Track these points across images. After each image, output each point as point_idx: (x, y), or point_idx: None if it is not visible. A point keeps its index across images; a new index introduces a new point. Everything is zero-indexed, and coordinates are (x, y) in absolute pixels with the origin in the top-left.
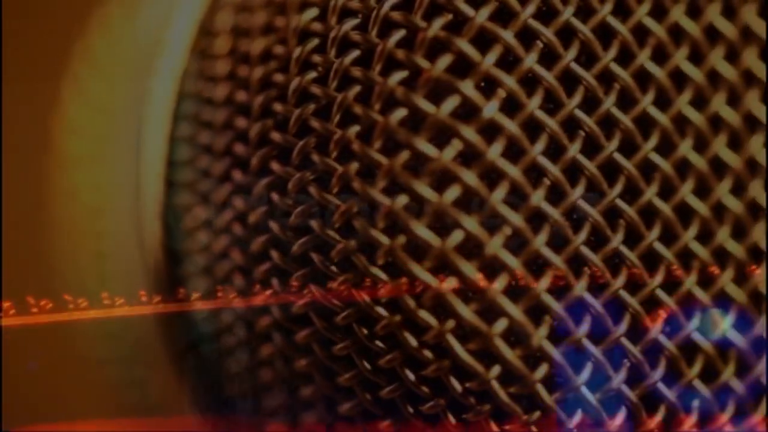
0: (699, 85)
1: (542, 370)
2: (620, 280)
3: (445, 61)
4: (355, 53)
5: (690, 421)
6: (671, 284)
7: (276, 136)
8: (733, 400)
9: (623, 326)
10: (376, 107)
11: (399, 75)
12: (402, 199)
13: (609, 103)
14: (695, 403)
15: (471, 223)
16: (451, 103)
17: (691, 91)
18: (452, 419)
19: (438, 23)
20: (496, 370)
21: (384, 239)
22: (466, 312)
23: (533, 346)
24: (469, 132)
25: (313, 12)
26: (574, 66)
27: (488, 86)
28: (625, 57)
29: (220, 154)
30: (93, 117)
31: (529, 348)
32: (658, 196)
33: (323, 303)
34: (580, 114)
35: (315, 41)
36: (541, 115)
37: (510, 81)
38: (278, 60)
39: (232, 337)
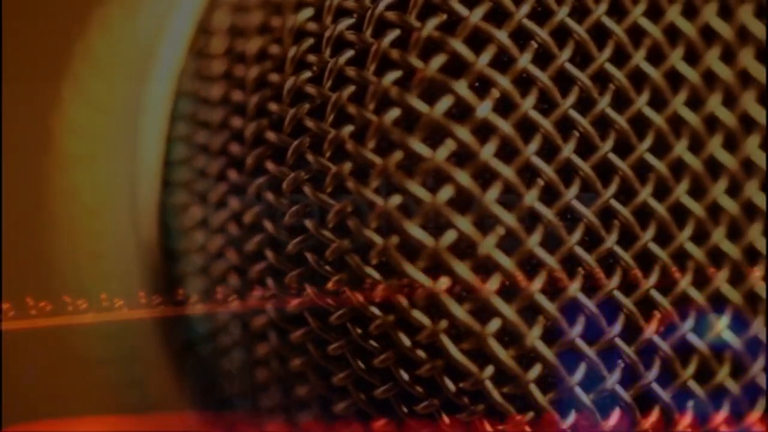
0: (695, 85)
1: (536, 370)
2: (614, 281)
3: (438, 61)
4: (349, 53)
5: (685, 421)
6: (666, 285)
7: (271, 135)
8: (729, 400)
9: (617, 327)
10: (371, 107)
11: (393, 75)
12: (395, 199)
13: (604, 103)
14: (690, 404)
15: (464, 223)
16: (444, 103)
17: (686, 91)
18: (446, 419)
19: (432, 23)
20: (489, 370)
21: (377, 239)
22: (460, 312)
23: (526, 347)
24: (463, 132)
25: (308, 12)
26: (569, 66)
27: (482, 86)
28: (620, 57)
29: (216, 153)
30: (93, 116)
31: (522, 348)
32: (653, 197)
33: (317, 303)
34: (574, 114)
35: (310, 41)
36: (535, 115)
37: (504, 81)
38: (274, 60)
39: (228, 337)
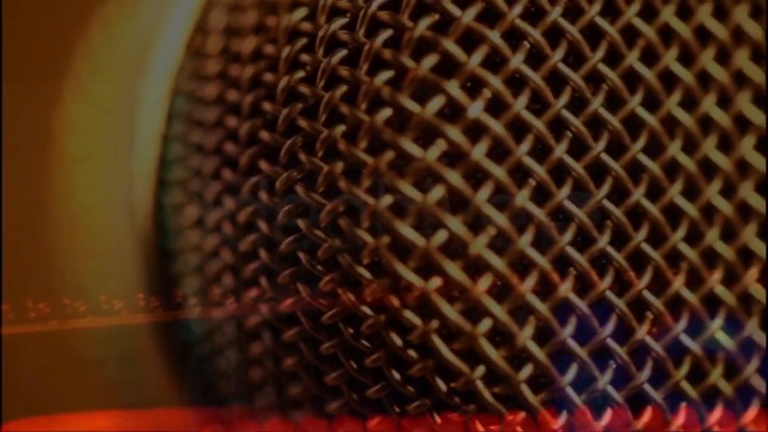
0: (689, 86)
1: (527, 370)
2: (606, 282)
3: (430, 60)
4: (342, 53)
5: (677, 422)
6: (659, 286)
7: (264, 135)
8: (722, 401)
9: (609, 327)
10: (363, 107)
11: (385, 74)
12: (386, 199)
13: (597, 103)
14: (682, 405)
15: (455, 223)
16: (436, 102)
17: (680, 92)
18: (438, 419)
19: (424, 23)
20: (480, 370)
21: (369, 239)
22: (450, 312)
23: (517, 347)
24: (454, 132)
25: (302, 11)
26: (561, 66)
27: (474, 86)
28: (613, 58)
29: (211, 152)
30: (93, 116)
31: (513, 348)
32: (646, 197)
33: (310, 302)
34: (567, 114)
35: (304, 40)
36: (527, 115)
37: (495, 81)
38: (268, 59)
39: (223, 336)
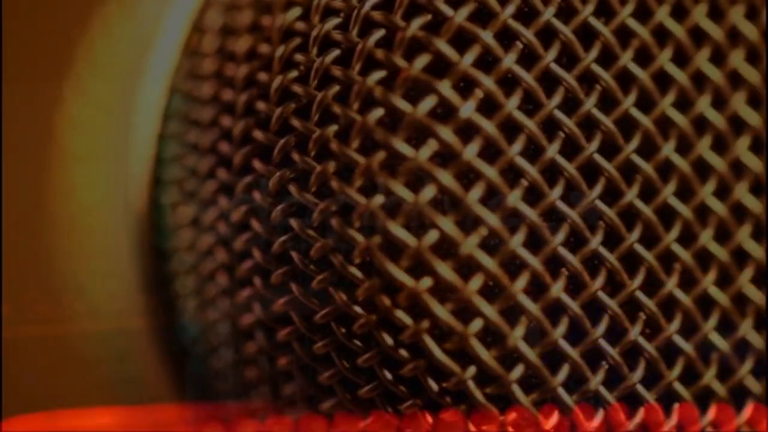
0: (683, 86)
1: (518, 370)
2: (598, 282)
3: (422, 60)
4: (335, 52)
5: (670, 423)
6: (652, 286)
7: (258, 134)
8: (715, 402)
9: (601, 328)
10: (355, 106)
11: (377, 74)
12: (378, 199)
13: (590, 104)
14: (675, 405)
15: (446, 223)
16: (428, 102)
17: (675, 92)
18: (429, 418)
19: (417, 23)
20: (471, 370)
21: (360, 238)
22: (441, 312)
23: (509, 347)
24: (446, 132)
25: (296, 11)
26: (554, 67)
27: (467, 86)
28: (607, 58)
29: (206, 152)
30: (93, 115)
31: (504, 349)
32: (639, 198)
33: (302, 302)
34: (559, 115)
35: (297, 40)
36: (519, 115)
37: (488, 81)
38: (262, 59)
39: (217, 335)
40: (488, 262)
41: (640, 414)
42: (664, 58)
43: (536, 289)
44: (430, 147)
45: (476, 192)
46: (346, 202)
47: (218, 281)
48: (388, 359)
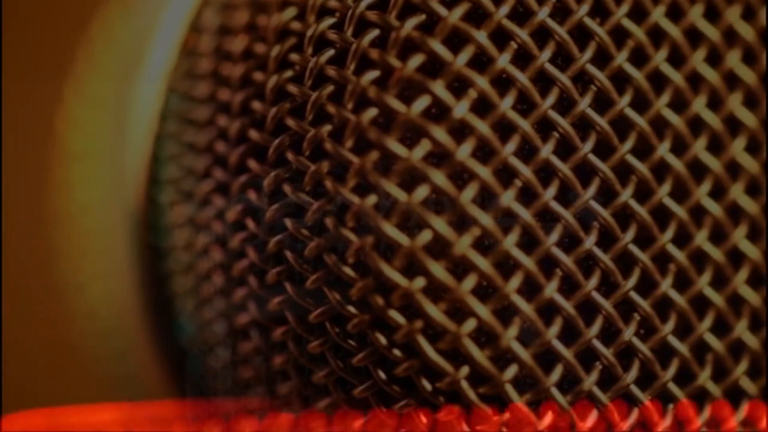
0: (679, 87)
1: (512, 370)
2: (592, 282)
3: (416, 60)
4: (330, 52)
5: (664, 423)
6: (647, 287)
7: (253, 134)
8: (710, 403)
9: (595, 328)
10: (349, 106)
11: (372, 74)
12: (371, 198)
13: (584, 104)
14: (670, 406)
15: (439, 223)
16: (421, 102)
17: (670, 93)
18: (423, 418)
19: (411, 23)
20: (465, 370)
21: (353, 238)
22: (434, 311)
23: (502, 347)
24: (439, 132)
25: (292, 11)
26: (549, 67)
27: (461, 86)
28: (602, 58)
29: (202, 151)
30: (92, 114)
31: (498, 349)
32: (634, 198)
33: (297, 301)
34: (553, 115)
35: (293, 40)
36: (513, 115)
37: (482, 81)
38: (258, 58)
39: (213, 334)
40: (481, 262)
41: (634, 414)
42: (660, 59)
43: (530, 290)
44: (424, 147)
45: (469, 192)
46: (340, 201)
47: (214, 280)
48: (382, 359)
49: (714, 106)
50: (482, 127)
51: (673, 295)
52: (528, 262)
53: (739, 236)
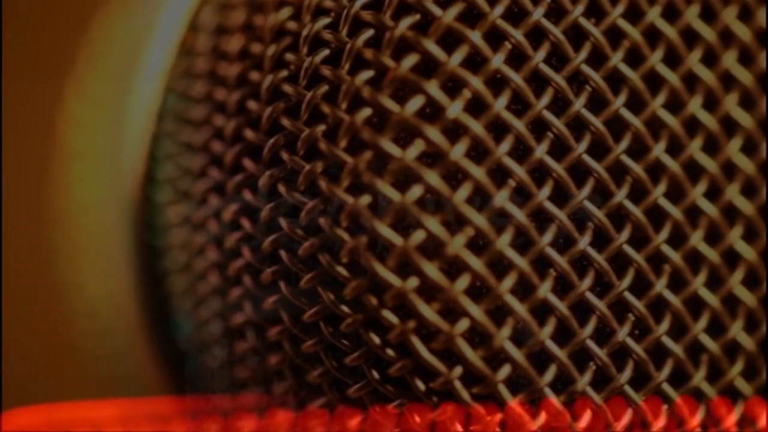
0: (674, 87)
1: (505, 370)
2: (586, 283)
3: (410, 60)
4: (325, 52)
5: (658, 424)
6: (642, 287)
7: (249, 133)
8: (705, 404)
9: (589, 329)
10: (343, 106)
11: (366, 74)
12: (365, 198)
13: (579, 104)
14: (664, 407)
15: (432, 223)
16: (415, 102)
17: (665, 93)
18: (417, 418)
19: (405, 23)
20: (458, 370)
21: (347, 238)
22: (427, 311)
23: (495, 347)
24: (432, 131)
25: (288, 11)
26: (543, 67)
27: (455, 87)
28: (598, 58)
29: (199, 150)
30: (92, 113)
31: (491, 349)
32: (629, 199)
33: (292, 301)
34: (548, 115)
35: (288, 40)
36: (507, 115)
37: (475, 81)
38: (254, 58)
39: (210, 334)
40: (475, 262)
41: (628, 415)
42: (655, 59)
43: (524, 290)
44: (417, 147)
45: (463, 192)
46: (333, 201)
47: (210, 280)
48: (376, 359)
49: (710, 106)
50: (476, 127)
51: (668, 295)
52: (521, 262)
53: (734, 237)
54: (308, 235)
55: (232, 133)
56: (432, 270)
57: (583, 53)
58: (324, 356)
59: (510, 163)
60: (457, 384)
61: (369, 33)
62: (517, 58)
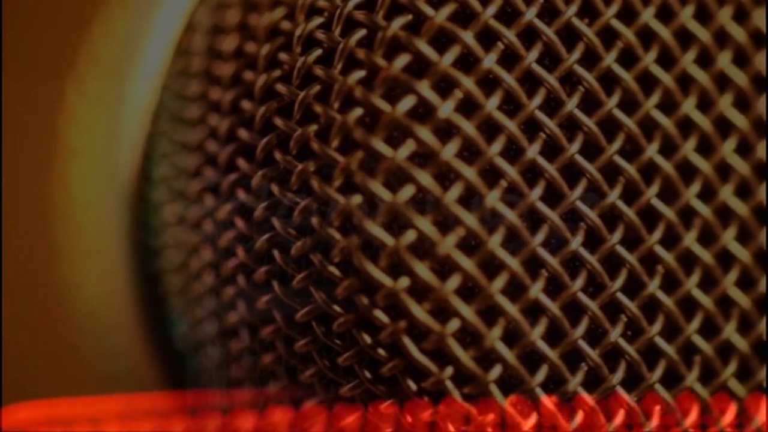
0: (668, 88)
1: (496, 371)
2: (578, 283)
3: (402, 60)
4: (318, 52)
5: (650, 425)
6: (634, 288)
7: (243, 133)
8: (698, 405)
9: (581, 329)
10: (335, 105)
11: (358, 74)
12: (356, 198)
13: (571, 105)
14: (657, 408)
15: (424, 223)
16: (406, 102)
17: (659, 94)
18: (409, 418)
19: (397, 23)
20: (449, 370)
21: (339, 237)
22: (418, 311)
23: (486, 348)
24: (424, 131)
25: (281, 10)
26: (535, 67)
27: (448, 86)
28: (591, 59)
29: (194, 150)
30: (92, 112)
31: (482, 349)
32: (621, 199)
33: (284, 300)
34: (540, 116)
35: (282, 39)
36: (498, 116)
37: (467, 81)
38: (248, 58)
39: (205, 333)
40: (466, 262)
41: (620, 416)
42: (649, 60)
43: (515, 290)
44: (409, 147)
45: (454, 192)
46: (325, 201)
47: (205, 279)
48: (368, 358)
49: (704, 107)
50: (468, 127)
51: (661, 296)
52: (513, 262)
53: (728, 238)
54: (301, 235)
55: (226, 132)
56: (423, 270)
57: (576, 54)
58: (317, 356)
59: (502, 163)
60: (449, 384)
61: (361, 33)
62: (509, 59)
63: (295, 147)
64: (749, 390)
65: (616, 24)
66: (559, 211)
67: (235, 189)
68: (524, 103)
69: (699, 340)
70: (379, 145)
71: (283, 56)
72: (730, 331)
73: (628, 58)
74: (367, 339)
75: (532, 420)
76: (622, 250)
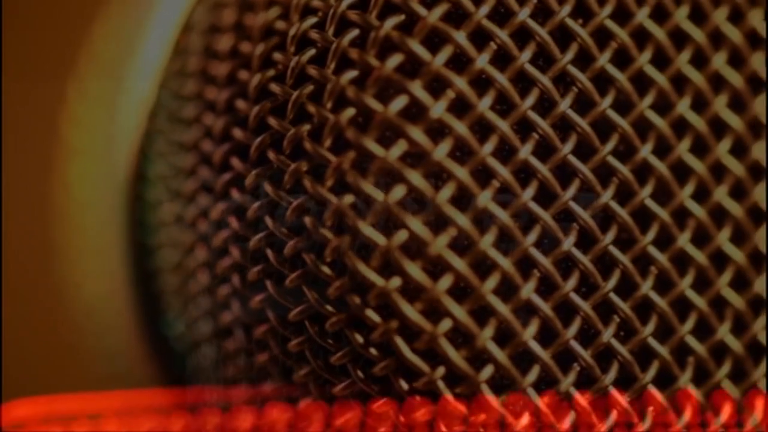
0: (662, 88)
1: (488, 371)
2: (570, 284)
3: (395, 60)
4: (311, 51)
5: (643, 426)
6: (628, 289)
7: (237, 132)
8: (691, 406)
9: (573, 329)
10: (328, 105)
11: (351, 73)
12: (348, 198)
13: (564, 105)
14: (649, 409)
15: (415, 223)
16: (398, 102)
17: (654, 94)
18: (402, 418)
19: (390, 23)
20: (441, 370)
21: (331, 237)
22: (410, 311)
23: (477, 347)
24: (416, 131)
25: (276, 10)
26: (528, 67)
27: (440, 86)
28: (585, 59)
29: (189, 149)
30: (93, 112)
31: (474, 349)
32: (615, 200)
33: (278, 299)
34: (532, 116)
35: (276, 39)
36: (491, 116)
37: (460, 82)
38: (243, 57)
39: (199, 332)
40: (458, 262)
41: (613, 416)
42: (644, 60)
43: (507, 290)
44: (401, 147)
45: (446, 192)
46: (318, 200)
47: (199, 278)
48: (360, 358)
49: (699, 108)
50: (460, 127)
51: (654, 297)
52: (505, 262)
53: (722, 239)
54: (294, 234)
55: (221, 131)
56: (415, 270)
57: (570, 54)
58: (310, 355)
59: (494, 163)
60: (441, 384)
61: (354, 33)
62: (502, 59)
63: (289, 146)
64: (743, 391)
65: (611, 24)
66: (551, 211)
67: (229, 188)
68: (517, 103)
69: (692, 341)
70: (371, 145)
71: (277, 56)
72: (724, 332)
73: (622, 59)
74: (359, 338)
75: (525, 420)
76: (615, 251)
